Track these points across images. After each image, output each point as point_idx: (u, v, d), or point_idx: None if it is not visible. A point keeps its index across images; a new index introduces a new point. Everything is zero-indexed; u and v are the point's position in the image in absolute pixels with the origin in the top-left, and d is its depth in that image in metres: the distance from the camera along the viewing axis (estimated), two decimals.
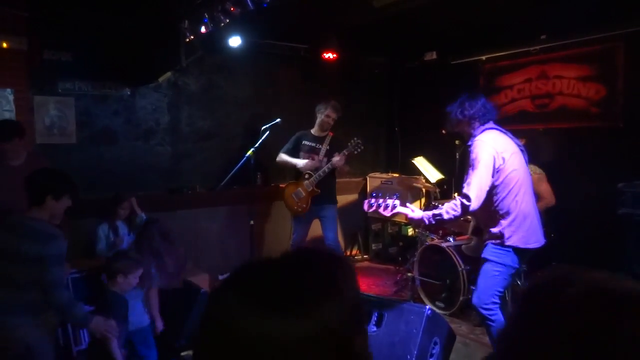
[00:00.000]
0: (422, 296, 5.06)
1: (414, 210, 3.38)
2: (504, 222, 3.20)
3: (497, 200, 3.21)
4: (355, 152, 5.17)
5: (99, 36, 5.12)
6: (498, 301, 3.23)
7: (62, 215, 2.98)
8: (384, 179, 6.95)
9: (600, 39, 5.16)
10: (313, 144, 5.38)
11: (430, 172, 6.08)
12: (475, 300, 3.31)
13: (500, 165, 3.16)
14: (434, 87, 6.80)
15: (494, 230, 3.23)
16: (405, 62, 7.26)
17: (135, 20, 5.12)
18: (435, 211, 3.25)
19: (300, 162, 5.32)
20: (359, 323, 0.74)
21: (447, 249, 4.81)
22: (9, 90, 4.75)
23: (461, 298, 4.69)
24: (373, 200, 3.41)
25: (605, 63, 5.21)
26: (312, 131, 5.45)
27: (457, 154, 5.81)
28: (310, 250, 0.82)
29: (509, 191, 3.18)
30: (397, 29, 5.83)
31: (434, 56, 6.78)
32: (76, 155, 5.19)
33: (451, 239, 4.97)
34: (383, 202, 3.36)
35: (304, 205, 5.28)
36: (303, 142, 5.42)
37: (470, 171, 3.17)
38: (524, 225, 3.21)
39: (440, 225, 3.54)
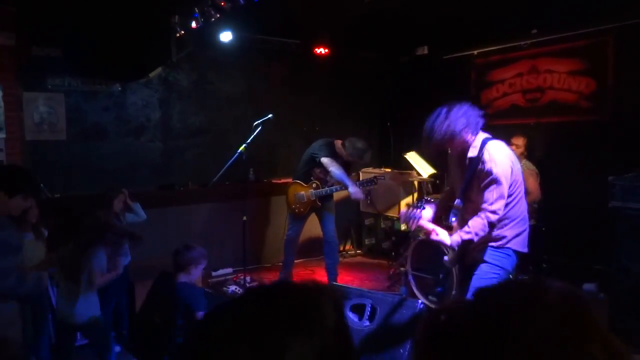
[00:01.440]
0: (415, 291, 5.07)
1: (439, 234, 3.17)
2: (507, 227, 3.10)
3: (506, 208, 3.06)
4: (368, 188, 5.18)
5: (89, 32, 5.08)
6: None
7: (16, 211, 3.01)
8: (376, 174, 6.94)
9: (590, 34, 5.18)
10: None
11: (422, 167, 6.10)
12: None
13: (515, 177, 3.03)
14: (426, 81, 6.81)
15: (495, 232, 3.11)
16: (397, 57, 7.26)
17: (125, 15, 5.07)
18: (465, 236, 3.05)
19: (352, 190, 5.08)
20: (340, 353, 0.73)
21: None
22: None
23: (454, 292, 4.70)
24: (410, 211, 3.24)
25: (595, 57, 5.24)
26: (336, 149, 5.23)
27: (450, 148, 5.82)
28: (290, 286, 0.82)
29: (519, 198, 3.11)
30: (388, 24, 5.82)
31: (426, 51, 6.79)
32: (66, 151, 5.15)
33: None
34: (413, 213, 3.21)
35: (302, 210, 5.31)
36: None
37: (494, 186, 2.96)
38: (524, 228, 3.16)
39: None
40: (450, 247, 3.15)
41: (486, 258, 3.13)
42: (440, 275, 4.83)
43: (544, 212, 5.09)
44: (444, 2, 5.09)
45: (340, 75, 6.99)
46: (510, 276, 3.23)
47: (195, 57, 5.88)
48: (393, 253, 6.39)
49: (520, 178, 3.11)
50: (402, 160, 6.41)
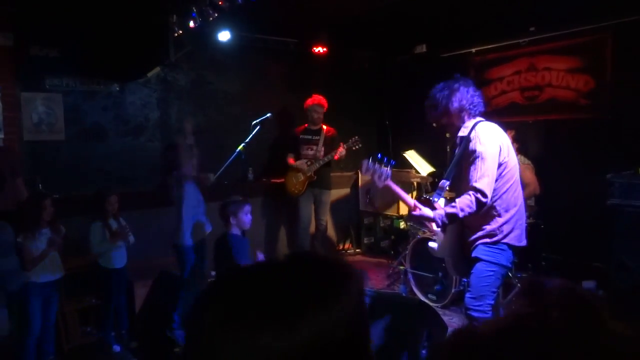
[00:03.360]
0: (415, 289, 5.09)
1: (421, 209, 3.08)
2: (500, 219, 2.99)
3: (496, 196, 2.96)
4: (354, 148, 5.89)
5: (87, 31, 5.07)
6: (493, 302, 3.06)
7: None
8: None
9: (588, 31, 5.18)
10: (310, 137, 6.04)
11: (421, 165, 6.10)
12: (468, 301, 3.08)
13: (505, 158, 2.95)
14: (424, 80, 6.78)
15: (489, 227, 3.01)
16: (396, 56, 7.25)
17: (123, 15, 5.07)
18: (449, 210, 2.94)
19: (297, 162, 6.06)
20: (358, 329, 0.70)
21: None
22: None
23: (453, 290, 4.71)
24: (371, 164, 3.16)
25: (593, 55, 5.24)
26: (308, 125, 6.09)
27: (448, 146, 5.82)
28: (306, 256, 0.77)
29: (510, 186, 2.99)
30: (386, 23, 5.81)
31: (424, 49, 6.79)
32: (65, 152, 5.14)
33: None
34: (379, 168, 3.14)
35: (300, 188, 5.94)
36: (301, 137, 6.05)
37: (478, 162, 2.89)
38: (520, 221, 3.06)
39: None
40: (434, 220, 3.02)
41: (480, 255, 3.05)
42: (440, 274, 4.85)
43: (543, 209, 5.09)
44: (442, 0, 5.09)
45: (338, 74, 6.99)
46: (508, 271, 3.15)
47: (194, 56, 5.87)
48: (392, 252, 6.40)
49: (514, 164, 3.02)
50: (401, 158, 6.41)
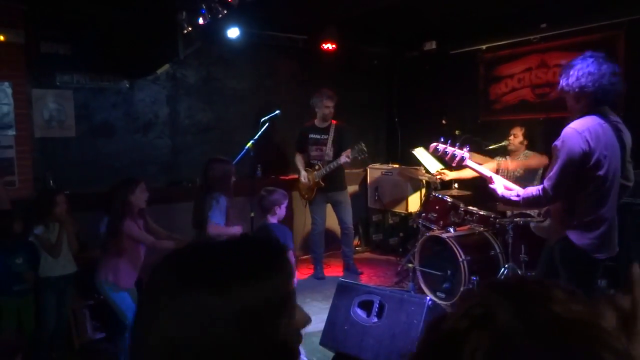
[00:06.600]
0: (423, 287, 5.07)
1: (495, 182, 2.97)
2: (573, 217, 2.79)
3: (574, 195, 2.79)
4: (359, 158, 5.48)
5: (97, 28, 5.10)
6: None
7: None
8: (384, 170, 6.94)
9: (600, 27, 5.13)
10: (318, 136, 5.69)
11: (430, 163, 6.06)
12: None
13: (589, 161, 2.72)
14: (434, 77, 6.79)
15: (566, 230, 2.81)
16: (405, 52, 7.23)
17: (133, 12, 5.09)
18: (515, 196, 2.87)
19: (302, 174, 5.70)
20: (283, 311, 0.77)
21: (447, 239, 4.81)
22: (7, 83, 4.74)
23: (462, 288, 4.69)
24: (441, 146, 3.19)
25: (605, 52, 5.14)
26: (316, 123, 5.72)
27: (457, 144, 5.78)
28: (253, 238, 0.87)
29: (590, 183, 2.76)
30: (396, 19, 5.79)
31: (434, 46, 6.75)
32: (75, 148, 5.18)
33: (451, 230, 4.97)
34: (452, 150, 3.16)
35: (310, 194, 5.71)
36: (310, 136, 5.69)
37: (554, 161, 2.76)
38: (598, 230, 2.82)
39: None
40: (499, 195, 2.95)
41: (561, 261, 2.85)
42: (448, 272, 4.83)
43: None
44: None
45: (347, 70, 6.97)
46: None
47: (203, 53, 5.88)
48: (401, 249, 6.38)
49: (605, 162, 2.75)
50: (410, 155, 6.39)
